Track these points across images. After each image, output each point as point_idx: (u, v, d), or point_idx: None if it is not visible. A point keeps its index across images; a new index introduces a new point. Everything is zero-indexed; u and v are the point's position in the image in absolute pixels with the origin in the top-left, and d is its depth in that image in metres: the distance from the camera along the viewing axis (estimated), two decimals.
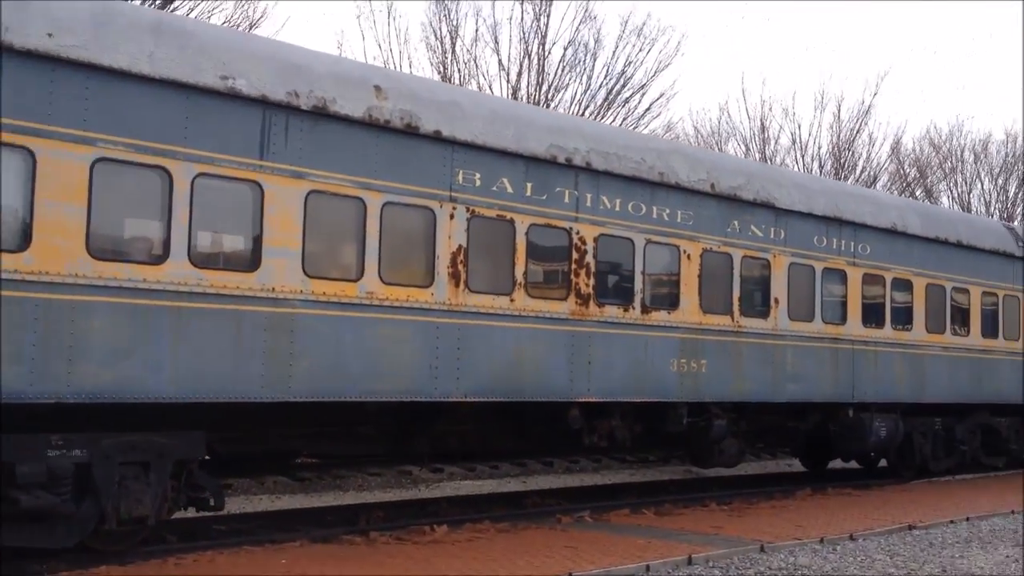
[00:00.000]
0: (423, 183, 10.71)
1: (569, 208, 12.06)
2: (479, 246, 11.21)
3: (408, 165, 10.62)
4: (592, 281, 12.19)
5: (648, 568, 8.84)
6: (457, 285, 10.90)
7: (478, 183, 11.20)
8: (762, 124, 35.31)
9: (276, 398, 9.52)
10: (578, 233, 12.09)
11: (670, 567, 8.98)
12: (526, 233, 11.55)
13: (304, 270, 9.68)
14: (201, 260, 9.10)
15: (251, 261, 9.44)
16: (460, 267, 10.93)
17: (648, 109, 28.48)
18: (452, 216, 10.90)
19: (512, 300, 11.39)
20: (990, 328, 18.56)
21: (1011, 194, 47.07)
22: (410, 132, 10.62)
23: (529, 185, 11.68)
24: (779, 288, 14.58)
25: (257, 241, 9.47)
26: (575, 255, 12.08)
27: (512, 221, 11.46)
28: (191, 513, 10.04)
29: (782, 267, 14.65)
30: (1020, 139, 45.95)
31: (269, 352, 9.42)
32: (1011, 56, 79.80)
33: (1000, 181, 47.70)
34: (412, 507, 13.19)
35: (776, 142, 35.03)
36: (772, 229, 14.57)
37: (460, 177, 11.03)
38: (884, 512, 12.89)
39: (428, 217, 10.76)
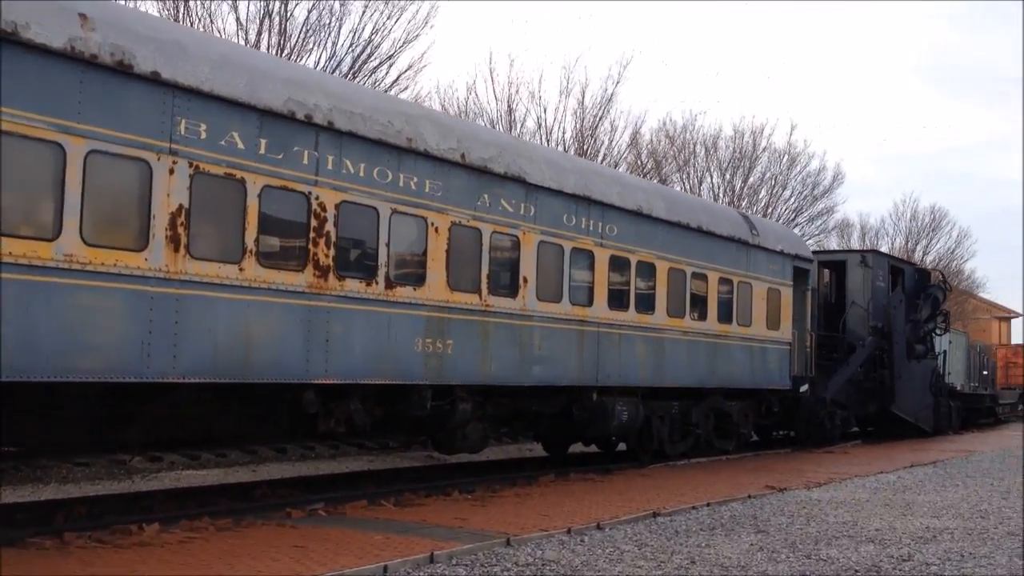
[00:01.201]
0: (138, 131, 9.29)
1: (308, 170, 10.94)
2: (204, 207, 9.90)
3: (120, 109, 9.17)
4: (332, 252, 11.14)
5: (386, 569, 7.94)
6: (176, 250, 9.57)
7: (203, 136, 9.88)
8: (509, 106, 35.15)
9: None
10: (318, 198, 11.00)
11: (410, 566, 8.13)
12: (259, 195, 10.34)
13: None
14: None
15: None
16: (180, 230, 9.59)
17: (396, 81, 27.52)
18: (172, 171, 9.54)
19: (241, 269, 10.16)
20: (725, 314, 18.95)
21: (737, 188, 49.67)
22: (123, 71, 9.17)
23: (263, 142, 10.46)
24: (528, 267, 14.06)
25: None
26: (314, 223, 10.98)
27: (243, 181, 10.22)
28: None
29: (532, 245, 14.14)
30: (746, 136, 48.52)
31: None
32: (742, 52, 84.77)
33: (728, 176, 50.22)
34: (122, 502, 11.69)
35: (523, 125, 34.96)
36: (523, 205, 14.02)
37: (182, 127, 9.67)
38: (628, 498, 12.63)
39: (143, 170, 9.35)
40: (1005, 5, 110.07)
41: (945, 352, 33.93)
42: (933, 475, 16.83)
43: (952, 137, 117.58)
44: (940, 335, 31.20)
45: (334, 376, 11.13)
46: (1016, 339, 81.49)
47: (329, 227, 11.11)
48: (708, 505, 12.18)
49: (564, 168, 15.39)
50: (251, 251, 10.24)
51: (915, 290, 29.10)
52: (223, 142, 10.07)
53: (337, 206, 11.20)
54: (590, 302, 15.30)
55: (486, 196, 13.35)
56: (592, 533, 10.02)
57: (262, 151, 10.43)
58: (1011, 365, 66.33)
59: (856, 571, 8.47)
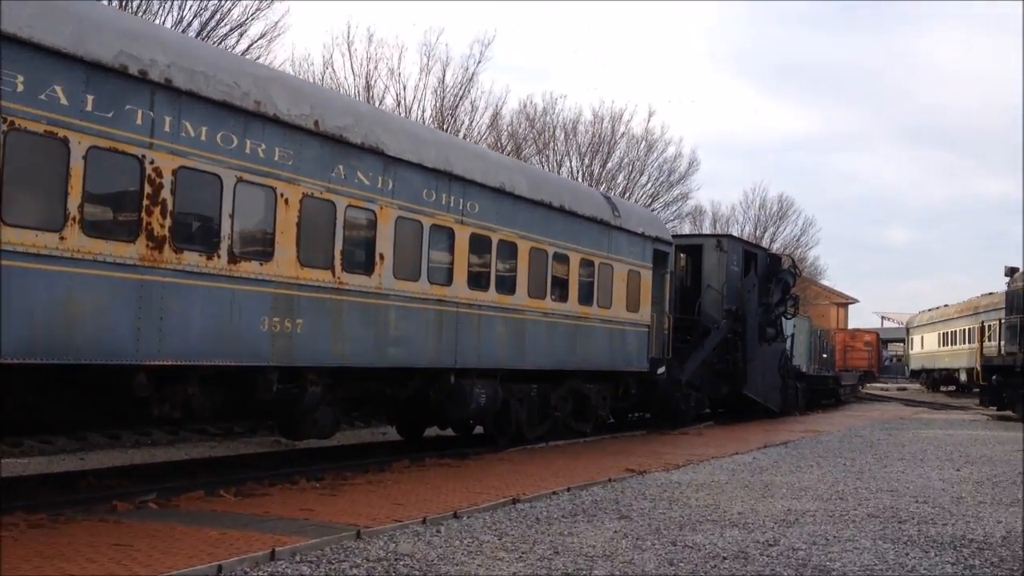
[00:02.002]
0: None
1: (143, 132, 9.96)
2: (20, 168, 8.86)
3: None
4: (169, 222, 10.20)
5: (220, 569, 7.18)
6: None
7: (20, 88, 8.82)
8: (367, 82, 34.17)
9: None
10: (153, 163, 10.04)
11: (248, 565, 7.38)
12: (84, 157, 9.32)
13: None
14: None
15: None
16: None
17: (247, 50, 26.22)
18: None
19: (63, 239, 9.14)
20: (586, 295, 18.65)
21: (596, 173, 49.89)
22: None
23: (90, 98, 9.44)
24: (385, 243, 13.35)
25: None
26: (148, 189, 10.02)
27: (66, 140, 9.19)
28: None
29: (389, 220, 13.43)
30: (605, 122, 48.73)
31: None
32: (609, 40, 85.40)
33: (587, 160, 50.38)
34: None
35: (381, 102, 34.00)
36: (380, 178, 13.30)
37: None
38: (486, 484, 12.12)
39: None
40: (859, 6, 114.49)
41: (793, 335, 34.81)
42: (787, 455, 16.94)
43: (794, 132, 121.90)
44: (789, 318, 31.89)
45: (169, 357, 10.20)
46: (853, 324, 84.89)
47: (165, 194, 10.16)
48: (569, 490, 11.79)
49: (425, 141, 14.73)
50: (74, 218, 9.22)
51: (767, 274, 29.59)
52: (43, 96, 9.02)
53: (175, 172, 10.26)
54: (449, 281, 14.70)
55: (341, 167, 12.58)
56: (449, 522, 9.46)
57: (89, 108, 9.41)
58: (849, 349, 69.06)
59: (724, 557, 8.16)
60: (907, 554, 8.46)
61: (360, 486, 11.78)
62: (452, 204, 14.74)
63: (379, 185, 13.27)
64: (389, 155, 13.38)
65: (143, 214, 9.96)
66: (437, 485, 11.98)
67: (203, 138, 10.62)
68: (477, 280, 15.38)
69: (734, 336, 26.91)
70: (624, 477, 13.22)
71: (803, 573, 7.68)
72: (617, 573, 7.54)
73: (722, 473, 14.02)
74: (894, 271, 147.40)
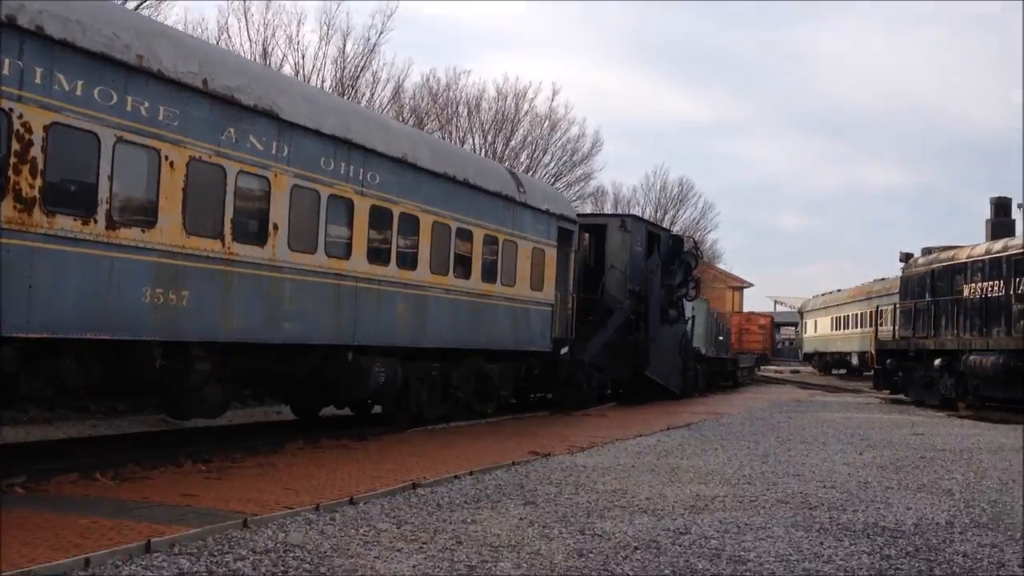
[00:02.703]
0: None
1: (10, 84, 9.07)
2: None
3: None
4: (39, 182, 9.33)
5: (88, 563, 6.47)
6: None
7: None
8: (264, 50, 32.94)
9: None
10: (21, 117, 9.15)
11: (120, 558, 6.68)
12: None
13: None
14: None
15: None
16: None
17: (136, 10, 24.89)
18: None
19: None
20: (490, 273, 18.16)
21: (499, 150, 49.38)
22: None
23: None
24: (279, 213, 12.62)
25: None
26: (16, 146, 9.13)
27: None
28: None
29: (284, 189, 12.70)
30: (509, 99, 48.27)
31: None
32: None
33: (490, 137, 49.84)
34: None
35: (279, 70, 32.83)
36: (275, 144, 12.54)
37: None
38: (384, 467, 11.55)
39: None
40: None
41: (693, 318, 34.91)
42: (690, 438, 16.74)
43: (692, 119, 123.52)
44: (691, 300, 31.94)
45: (37, 329, 9.34)
46: (747, 308, 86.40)
47: (35, 152, 9.28)
48: (471, 474, 11.29)
49: (323, 106, 13.99)
50: None
51: (670, 256, 29.51)
52: None
53: (47, 128, 9.38)
54: (348, 255, 14.03)
55: (232, 130, 11.79)
56: (344, 509, 8.86)
57: None
58: (744, 331, 70.20)
59: (635, 547, 7.75)
60: (822, 543, 8.18)
61: (249, 469, 11.09)
62: (352, 174, 14.05)
63: (273, 151, 12.51)
64: (284, 119, 12.62)
65: (11, 173, 9.08)
66: (332, 468, 11.36)
67: (79, 93, 9.75)
68: (377, 254, 14.73)
69: (637, 317, 26.77)
70: (528, 460, 12.79)
71: (717, 564, 7.31)
72: (524, 566, 7.06)
73: (627, 456, 13.70)
74: (786, 256, 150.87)
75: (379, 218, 14.75)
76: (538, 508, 9.36)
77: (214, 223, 11.55)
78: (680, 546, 7.88)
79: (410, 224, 15.57)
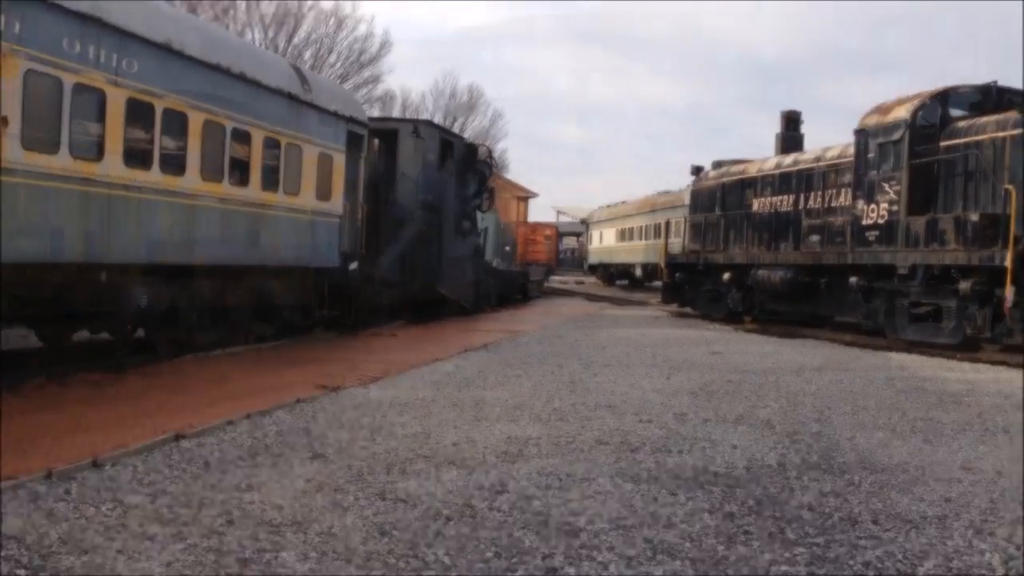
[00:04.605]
0: None
1: None
2: None
3: None
4: None
5: None
6: None
7: None
8: None
9: None
10: None
11: None
12: None
13: None
14: None
15: None
16: None
17: None
18: None
19: None
20: (271, 180, 16.26)
21: (281, 47, 46.32)
22: None
23: None
24: (10, 104, 10.39)
25: None
26: None
27: None
28: None
29: (15, 74, 10.44)
30: None
31: None
32: None
33: (271, 33, 46.66)
34: None
35: None
36: (3, 17, 10.22)
37: None
38: (143, 409, 9.80)
39: None
40: None
41: (486, 229, 33.96)
42: (491, 363, 15.66)
43: (478, 26, 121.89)
44: (485, 212, 30.88)
45: None
46: (532, 218, 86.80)
47: None
48: (248, 417, 9.70)
49: None
50: None
51: (464, 165, 28.23)
52: None
53: None
54: (100, 156, 11.91)
55: None
56: (85, 476, 7.14)
57: None
58: (530, 243, 70.37)
59: (447, 518, 6.46)
60: (655, 499, 7.17)
61: None
62: (104, 60, 11.84)
63: (1, 27, 10.20)
64: None
65: None
66: (77, 413, 9.51)
67: None
68: (136, 156, 12.65)
69: (429, 229, 25.44)
70: (315, 396, 11.29)
71: (547, 538, 6.14)
72: (313, 555, 5.63)
73: (426, 388, 12.42)
74: (568, 167, 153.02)
75: (138, 114, 12.62)
76: (328, 463, 7.93)
77: None
78: (499, 512, 6.66)
79: (176, 122, 13.48)
